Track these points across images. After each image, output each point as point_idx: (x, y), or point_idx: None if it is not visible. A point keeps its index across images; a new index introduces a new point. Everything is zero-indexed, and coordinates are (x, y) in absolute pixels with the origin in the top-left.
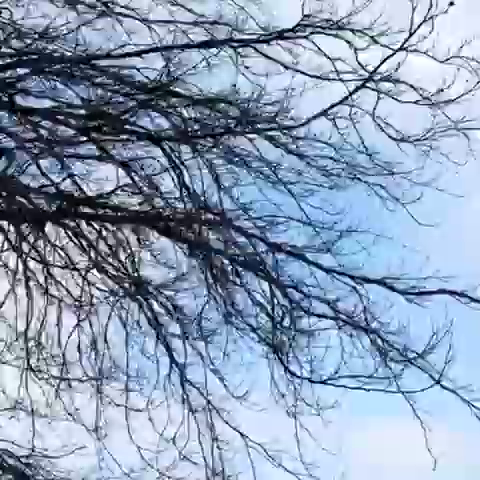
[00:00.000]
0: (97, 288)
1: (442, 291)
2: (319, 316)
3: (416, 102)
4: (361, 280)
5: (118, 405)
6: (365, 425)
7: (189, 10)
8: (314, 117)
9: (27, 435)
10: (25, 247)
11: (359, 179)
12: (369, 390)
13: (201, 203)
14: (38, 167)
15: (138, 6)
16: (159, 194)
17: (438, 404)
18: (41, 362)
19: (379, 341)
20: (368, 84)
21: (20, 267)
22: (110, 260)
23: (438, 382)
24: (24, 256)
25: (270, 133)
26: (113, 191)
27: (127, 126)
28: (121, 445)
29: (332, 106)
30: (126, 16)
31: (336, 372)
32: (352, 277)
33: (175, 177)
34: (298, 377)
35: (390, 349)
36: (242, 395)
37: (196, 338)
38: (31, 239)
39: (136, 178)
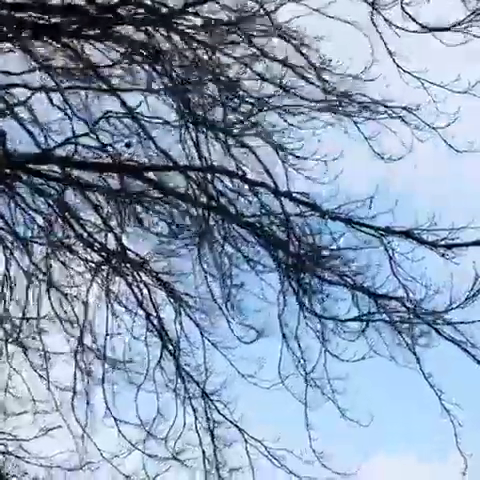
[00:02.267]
0: (81, 259)
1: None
2: (334, 283)
3: None
4: (386, 231)
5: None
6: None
7: None
8: None
9: None
10: None
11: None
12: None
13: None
14: None
15: None
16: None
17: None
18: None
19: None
20: None
21: None
22: (96, 234)
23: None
24: None
25: None
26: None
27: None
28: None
29: None
30: None
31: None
32: (376, 228)
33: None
34: (316, 315)
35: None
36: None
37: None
38: None
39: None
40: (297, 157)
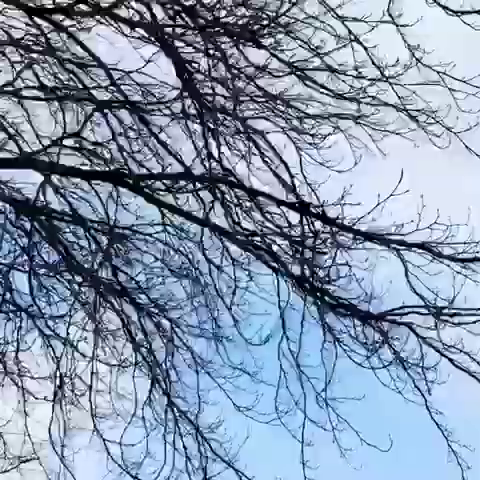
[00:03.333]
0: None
1: None
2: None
3: None
4: (401, 244)
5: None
6: None
7: None
8: None
9: None
10: None
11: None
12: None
13: None
14: None
15: None
16: None
17: None
18: None
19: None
20: None
21: None
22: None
23: None
24: None
25: None
26: None
27: None
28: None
29: None
30: None
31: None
32: (390, 241)
33: None
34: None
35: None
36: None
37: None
38: None
39: None
40: (312, 135)
